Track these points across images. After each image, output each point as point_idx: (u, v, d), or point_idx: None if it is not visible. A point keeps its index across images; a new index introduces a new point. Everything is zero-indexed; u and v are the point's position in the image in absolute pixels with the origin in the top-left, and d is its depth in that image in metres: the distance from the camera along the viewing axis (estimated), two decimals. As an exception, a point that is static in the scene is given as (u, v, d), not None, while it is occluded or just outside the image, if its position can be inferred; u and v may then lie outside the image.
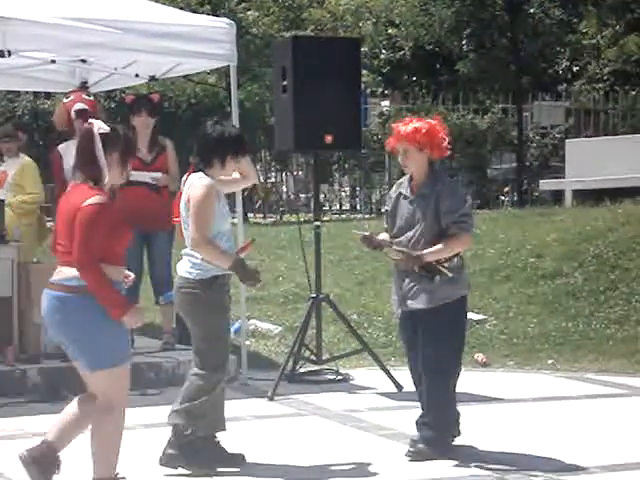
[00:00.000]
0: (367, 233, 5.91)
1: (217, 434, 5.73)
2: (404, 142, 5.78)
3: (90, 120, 4.97)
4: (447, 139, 5.85)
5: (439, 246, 5.72)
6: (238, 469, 5.63)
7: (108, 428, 4.98)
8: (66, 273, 4.83)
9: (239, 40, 8.62)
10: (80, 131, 5.00)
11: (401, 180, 6.01)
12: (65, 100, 9.03)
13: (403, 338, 6.11)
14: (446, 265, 5.74)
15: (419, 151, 5.76)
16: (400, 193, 5.92)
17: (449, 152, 5.97)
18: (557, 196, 16.74)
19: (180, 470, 5.59)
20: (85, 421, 5.01)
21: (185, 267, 5.69)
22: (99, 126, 4.87)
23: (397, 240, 5.84)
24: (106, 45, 7.81)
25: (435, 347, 5.77)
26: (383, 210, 6.31)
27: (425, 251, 5.70)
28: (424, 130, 5.74)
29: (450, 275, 5.73)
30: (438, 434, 5.85)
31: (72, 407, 5.05)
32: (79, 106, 8.76)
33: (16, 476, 5.54)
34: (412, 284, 5.81)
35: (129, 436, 6.42)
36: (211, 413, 5.65)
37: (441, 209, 5.72)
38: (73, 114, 8.79)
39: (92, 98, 8.99)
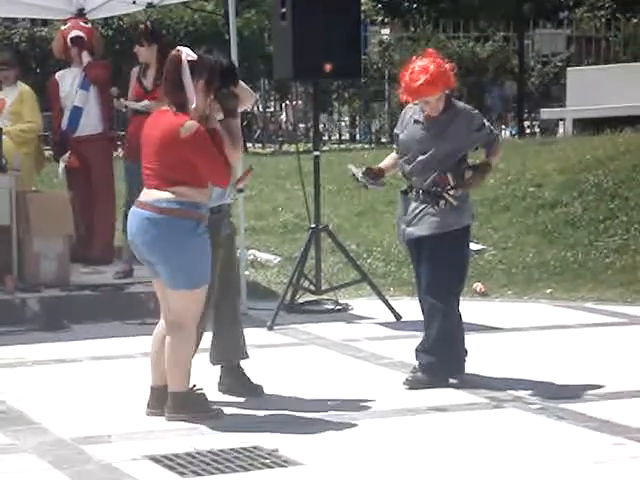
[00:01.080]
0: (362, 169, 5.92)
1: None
2: (422, 97, 5.80)
3: (178, 47, 5.11)
4: (451, 67, 5.86)
5: (489, 153, 5.94)
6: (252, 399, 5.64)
7: (179, 346, 5.15)
8: (156, 194, 5.03)
9: (237, -34, 8.51)
10: (168, 57, 5.13)
11: (410, 105, 6.00)
12: (62, 28, 8.94)
13: (413, 265, 6.15)
14: (452, 193, 5.76)
15: (443, 91, 5.81)
16: (412, 118, 5.94)
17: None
18: (550, 125, 16.70)
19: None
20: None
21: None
22: (187, 53, 5.04)
23: (408, 165, 5.89)
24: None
25: (435, 274, 5.81)
26: (387, 137, 6.32)
27: (491, 160, 5.92)
28: (435, 77, 5.72)
29: (455, 203, 5.76)
30: (437, 361, 5.88)
31: (155, 344, 5.29)
32: (75, 33, 8.69)
33: (17, 404, 5.60)
34: (417, 211, 5.84)
35: (130, 364, 6.50)
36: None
37: (471, 127, 5.85)
38: (69, 42, 8.72)
39: (89, 25, 8.91)
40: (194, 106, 5.02)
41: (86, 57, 8.72)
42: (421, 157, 5.86)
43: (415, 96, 5.84)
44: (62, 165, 8.71)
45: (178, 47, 5.14)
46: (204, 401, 5.29)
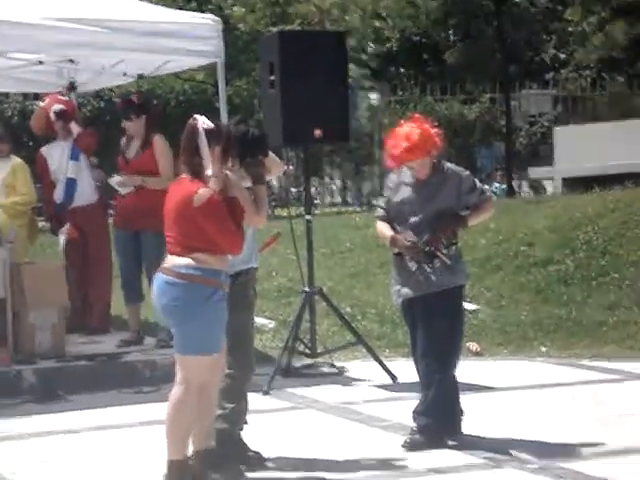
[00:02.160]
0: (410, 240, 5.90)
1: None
2: (404, 163, 5.91)
3: (195, 116, 5.21)
4: (437, 132, 5.95)
5: (475, 211, 5.96)
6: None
7: (180, 412, 5.16)
8: (177, 260, 5.15)
9: (226, 36, 8.64)
10: (186, 126, 5.22)
11: (401, 169, 6.07)
12: (41, 103, 9.09)
13: (407, 326, 6.18)
14: (445, 252, 5.81)
15: (425, 157, 5.89)
16: (402, 181, 6.02)
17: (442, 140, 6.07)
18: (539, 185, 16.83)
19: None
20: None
21: None
22: (203, 121, 5.14)
23: (401, 228, 5.93)
24: (93, 45, 7.82)
25: (430, 333, 5.84)
26: (375, 202, 6.36)
27: (466, 214, 5.91)
28: (416, 144, 5.82)
29: (448, 262, 5.81)
30: (434, 422, 5.88)
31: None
32: (58, 107, 8.83)
33: (12, 477, 5.56)
34: (411, 271, 5.88)
35: (127, 434, 6.47)
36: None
37: (462, 189, 5.91)
38: (53, 115, 8.84)
39: (67, 98, 9.07)
40: (210, 173, 5.10)
41: (75, 128, 8.83)
42: (413, 219, 5.91)
43: (397, 162, 5.95)
44: (62, 238, 8.78)
45: (195, 115, 5.23)
46: (205, 469, 5.25)
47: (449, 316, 5.88)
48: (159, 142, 8.33)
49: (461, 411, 5.99)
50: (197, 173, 5.13)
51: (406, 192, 5.98)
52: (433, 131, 5.93)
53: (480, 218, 6.06)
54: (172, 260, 5.18)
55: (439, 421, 5.89)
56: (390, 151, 5.93)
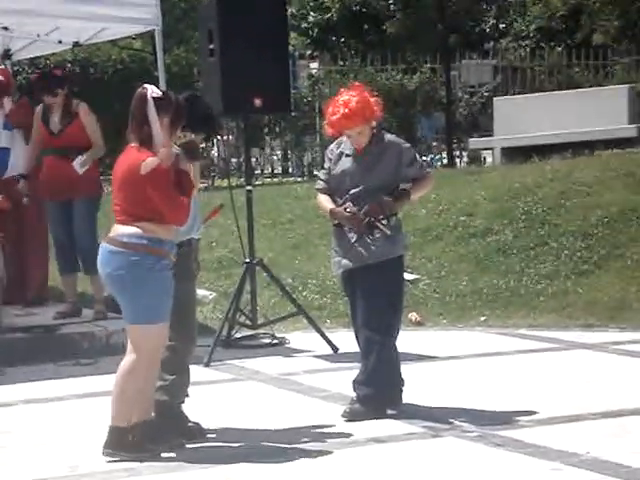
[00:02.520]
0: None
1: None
2: (342, 130, 5.87)
3: (144, 85, 5.19)
4: (376, 101, 5.92)
5: (416, 188, 5.91)
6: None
7: (129, 380, 5.17)
8: (120, 230, 5.15)
9: (164, 3, 8.52)
10: (135, 94, 5.22)
11: (340, 140, 6.04)
12: None
13: (347, 297, 6.16)
14: (385, 223, 5.80)
15: (363, 125, 5.84)
16: (342, 152, 5.98)
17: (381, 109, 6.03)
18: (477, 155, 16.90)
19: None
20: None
21: None
22: (153, 90, 5.13)
23: (341, 199, 5.88)
24: (27, 12, 7.70)
25: (370, 303, 5.84)
26: (319, 171, 6.33)
27: (406, 185, 5.86)
28: (354, 111, 5.79)
29: (389, 233, 5.80)
30: (374, 392, 5.89)
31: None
32: None
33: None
34: (351, 242, 5.85)
35: (63, 407, 6.40)
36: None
37: (403, 162, 5.88)
38: None
39: (3, 67, 8.84)
40: (159, 143, 5.09)
41: (8, 104, 8.62)
42: (353, 190, 5.89)
43: (336, 129, 5.91)
44: None
45: (144, 84, 5.22)
46: (144, 440, 5.23)
47: (389, 286, 5.88)
48: (86, 113, 8.23)
49: (402, 381, 6.01)
50: (145, 142, 5.12)
51: (346, 163, 5.95)
52: (372, 99, 5.90)
53: (421, 192, 6.05)
54: (117, 229, 5.18)
55: (379, 391, 5.90)
56: (329, 118, 5.90)
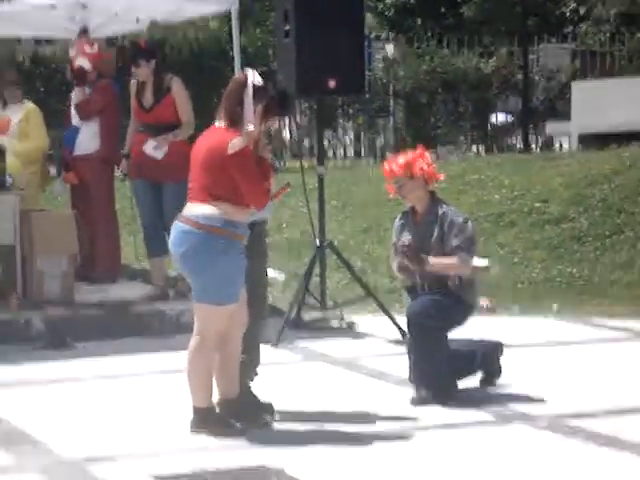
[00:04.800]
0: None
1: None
2: (396, 177, 5.91)
3: (247, 69, 5.28)
4: (434, 164, 5.97)
5: (443, 260, 5.82)
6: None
7: (199, 360, 5.22)
8: (195, 209, 5.15)
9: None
10: (234, 78, 5.39)
11: (405, 210, 6.09)
12: (70, 54, 8.93)
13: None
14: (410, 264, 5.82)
15: (411, 179, 5.87)
16: (403, 224, 6.02)
17: (442, 176, 6.06)
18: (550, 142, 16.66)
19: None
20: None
21: None
22: (254, 76, 5.19)
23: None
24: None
25: (428, 302, 5.84)
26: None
27: (431, 258, 5.80)
28: (411, 160, 5.87)
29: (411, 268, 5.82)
30: (439, 383, 5.86)
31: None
32: (78, 63, 8.66)
33: (20, 424, 5.57)
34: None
35: (135, 383, 6.47)
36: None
37: (445, 233, 5.83)
38: (70, 75, 8.75)
39: (95, 48, 8.81)
40: (251, 128, 5.12)
41: (80, 93, 8.65)
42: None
43: (390, 177, 5.92)
44: (59, 183, 8.77)
45: (247, 68, 5.29)
46: (225, 417, 5.29)
47: (447, 309, 5.85)
48: (180, 88, 8.10)
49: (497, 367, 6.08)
50: (235, 123, 5.15)
51: (405, 236, 5.94)
52: (432, 163, 5.93)
53: (442, 269, 5.84)
54: (192, 209, 5.18)
55: (444, 378, 5.87)
56: (386, 169, 5.94)
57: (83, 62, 8.68)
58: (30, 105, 8.90)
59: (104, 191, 8.74)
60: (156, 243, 8.23)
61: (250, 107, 5.13)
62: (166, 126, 8.06)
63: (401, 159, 5.92)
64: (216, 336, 5.23)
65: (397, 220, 6.11)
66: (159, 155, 8.00)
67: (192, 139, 7.84)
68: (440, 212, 5.88)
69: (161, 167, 8.01)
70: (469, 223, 5.90)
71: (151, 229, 8.28)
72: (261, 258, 5.62)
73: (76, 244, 8.16)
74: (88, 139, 8.68)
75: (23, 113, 8.80)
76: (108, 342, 7.50)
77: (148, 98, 8.13)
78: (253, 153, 5.15)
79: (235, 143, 5.09)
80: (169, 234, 8.03)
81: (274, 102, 5.24)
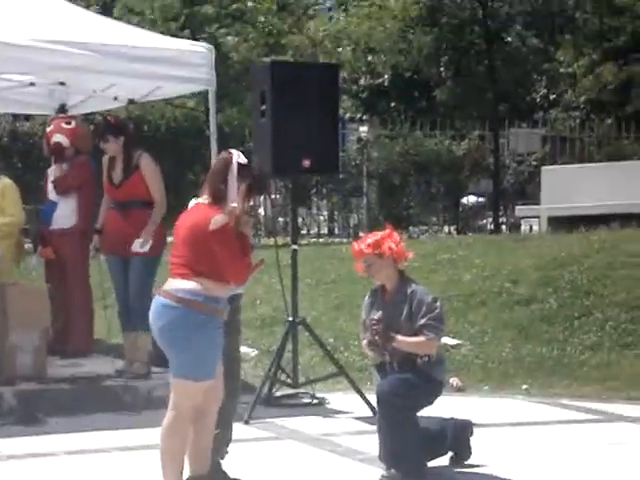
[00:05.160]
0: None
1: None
2: (364, 256, 5.96)
3: (230, 150, 5.41)
4: (403, 244, 6.02)
5: (411, 339, 5.85)
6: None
7: (173, 439, 5.22)
8: (177, 284, 5.20)
9: (218, 65, 8.69)
10: (219, 156, 5.50)
11: (374, 287, 6.14)
12: (47, 129, 9.05)
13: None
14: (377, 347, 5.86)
15: (380, 258, 5.93)
16: (372, 302, 6.08)
17: (411, 254, 6.10)
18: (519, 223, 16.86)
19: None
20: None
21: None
22: (238, 155, 5.33)
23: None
24: (85, 68, 7.85)
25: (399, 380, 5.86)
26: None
27: (399, 337, 5.83)
28: (379, 240, 5.95)
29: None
30: (409, 462, 5.88)
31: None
32: (55, 139, 8.78)
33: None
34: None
35: (106, 459, 6.44)
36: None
37: (414, 312, 5.87)
38: (46, 149, 8.86)
39: (73, 124, 8.92)
40: (234, 205, 5.22)
41: (58, 170, 8.76)
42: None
43: (359, 256, 5.98)
44: (34, 258, 8.80)
45: (229, 149, 5.42)
46: None
47: (421, 385, 5.88)
48: (149, 164, 8.10)
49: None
50: (218, 200, 5.25)
51: (376, 315, 5.99)
52: (400, 242, 5.99)
53: (410, 347, 5.87)
54: (173, 283, 5.22)
55: (414, 458, 5.89)
56: (355, 248, 6.00)
57: (60, 138, 8.79)
58: (7, 180, 8.95)
59: (80, 265, 8.78)
60: (128, 318, 8.26)
61: (234, 185, 5.24)
62: (138, 202, 8.06)
63: (370, 239, 5.99)
64: (191, 410, 5.24)
65: (367, 298, 6.15)
66: (147, 249, 7.99)
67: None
68: (409, 291, 5.93)
69: (128, 242, 8.00)
70: (438, 302, 5.95)
71: (122, 303, 8.32)
72: (235, 334, 5.66)
73: (49, 318, 8.17)
74: (66, 214, 8.75)
75: (-1, 188, 8.85)
76: (80, 417, 7.47)
77: (118, 174, 8.16)
78: (234, 229, 5.23)
79: (217, 220, 5.18)
80: (133, 307, 8.15)
81: (257, 180, 5.35)
